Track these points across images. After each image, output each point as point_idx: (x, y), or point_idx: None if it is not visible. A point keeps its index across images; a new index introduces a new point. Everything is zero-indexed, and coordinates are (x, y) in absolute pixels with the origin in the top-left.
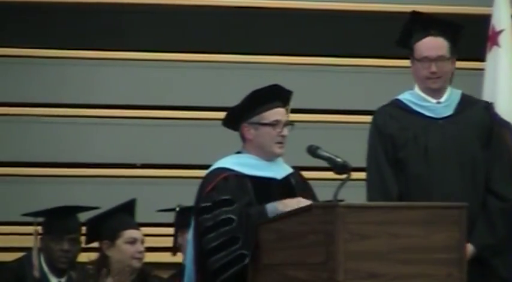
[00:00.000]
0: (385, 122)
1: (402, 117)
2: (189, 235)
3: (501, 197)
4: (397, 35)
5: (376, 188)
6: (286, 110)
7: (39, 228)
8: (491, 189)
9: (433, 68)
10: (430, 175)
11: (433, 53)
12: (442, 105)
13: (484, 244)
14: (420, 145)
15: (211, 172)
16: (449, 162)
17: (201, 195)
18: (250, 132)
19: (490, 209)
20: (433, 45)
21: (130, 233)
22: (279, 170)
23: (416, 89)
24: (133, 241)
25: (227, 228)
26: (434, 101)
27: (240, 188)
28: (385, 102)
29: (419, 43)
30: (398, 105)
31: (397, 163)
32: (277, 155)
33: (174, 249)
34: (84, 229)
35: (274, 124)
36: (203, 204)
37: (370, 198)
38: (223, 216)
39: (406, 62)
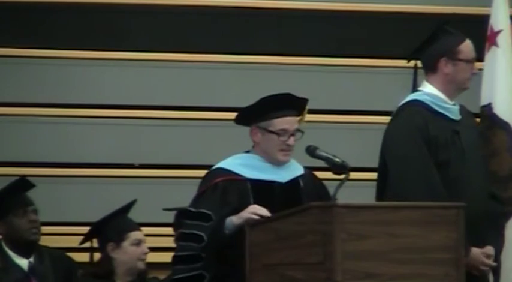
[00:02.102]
0: (425, 122)
1: (434, 119)
2: None
3: (501, 200)
4: (400, 36)
5: (426, 190)
6: (301, 117)
7: None
8: (491, 192)
9: (476, 68)
10: (468, 177)
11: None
12: (456, 107)
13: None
14: (458, 147)
15: (209, 173)
16: (479, 165)
17: (195, 195)
18: (257, 135)
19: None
20: (472, 46)
21: (136, 235)
22: (285, 173)
23: (434, 91)
24: (138, 243)
25: (195, 245)
26: (451, 103)
27: (224, 199)
28: (380, 102)
29: (464, 45)
30: (423, 106)
31: (437, 165)
32: (281, 162)
33: None
34: (85, 230)
35: (279, 133)
36: (188, 208)
37: (416, 199)
38: (196, 231)
39: (400, 62)
